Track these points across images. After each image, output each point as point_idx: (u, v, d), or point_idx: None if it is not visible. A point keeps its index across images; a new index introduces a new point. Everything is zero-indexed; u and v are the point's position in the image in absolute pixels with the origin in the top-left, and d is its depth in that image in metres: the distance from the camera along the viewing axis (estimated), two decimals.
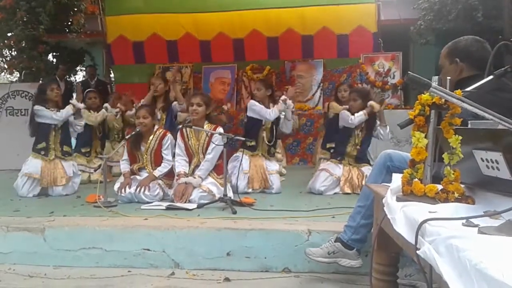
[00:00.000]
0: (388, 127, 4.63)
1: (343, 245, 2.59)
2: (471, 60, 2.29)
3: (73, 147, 5.26)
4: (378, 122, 4.67)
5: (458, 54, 2.33)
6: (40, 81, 8.41)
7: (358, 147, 4.62)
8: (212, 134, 4.07)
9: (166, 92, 5.29)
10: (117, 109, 5.80)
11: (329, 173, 4.54)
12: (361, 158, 4.65)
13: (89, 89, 6.13)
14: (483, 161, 1.39)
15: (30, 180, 4.58)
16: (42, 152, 4.69)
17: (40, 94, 4.83)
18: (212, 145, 4.09)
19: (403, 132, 5.29)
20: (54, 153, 4.73)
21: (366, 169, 4.51)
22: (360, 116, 4.53)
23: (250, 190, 4.56)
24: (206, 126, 4.15)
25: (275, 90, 7.80)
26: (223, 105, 7.20)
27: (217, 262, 2.96)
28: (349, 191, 4.45)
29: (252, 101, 4.88)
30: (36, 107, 4.68)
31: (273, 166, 4.82)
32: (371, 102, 4.54)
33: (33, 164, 4.65)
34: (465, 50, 2.33)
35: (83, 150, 5.65)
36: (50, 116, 4.67)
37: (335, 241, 2.63)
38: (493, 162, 1.34)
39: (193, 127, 4.10)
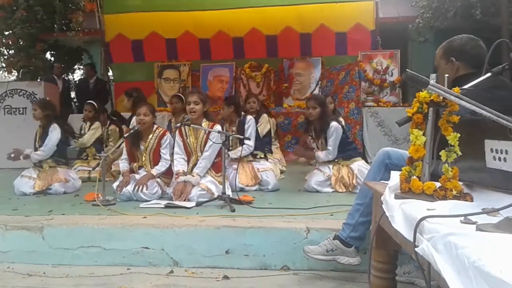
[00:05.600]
0: (320, 156, 4.63)
1: (342, 243, 2.60)
2: (467, 59, 2.30)
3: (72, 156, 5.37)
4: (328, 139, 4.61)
5: (453, 53, 2.33)
6: (39, 80, 8.42)
7: (325, 145, 4.61)
8: (210, 132, 4.07)
9: None
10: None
11: (321, 171, 4.58)
12: (346, 156, 4.63)
13: (88, 101, 6.15)
14: (492, 151, 1.39)
15: (31, 180, 4.64)
16: (38, 164, 4.79)
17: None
18: (209, 142, 4.09)
19: (401, 130, 5.31)
20: (48, 165, 4.79)
21: (356, 165, 4.53)
22: None
23: (242, 185, 4.58)
24: (204, 124, 4.15)
25: (274, 89, 7.93)
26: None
27: (216, 260, 2.96)
28: (340, 190, 4.46)
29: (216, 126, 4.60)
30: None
31: (263, 165, 4.86)
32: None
33: (32, 171, 4.76)
34: (460, 49, 2.34)
35: (81, 157, 5.90)
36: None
37: (333, 239, 2.64)
38: (502, 153, 1.34)
39: (192, 125, 4.10)
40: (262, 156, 5.04)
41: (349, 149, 4.69)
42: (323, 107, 4.61)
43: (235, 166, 4.56)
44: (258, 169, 4.75)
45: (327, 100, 5.07)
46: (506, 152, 1.32)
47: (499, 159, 1.36)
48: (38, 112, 4.79)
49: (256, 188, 4.65)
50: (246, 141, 4.67)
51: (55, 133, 4.78)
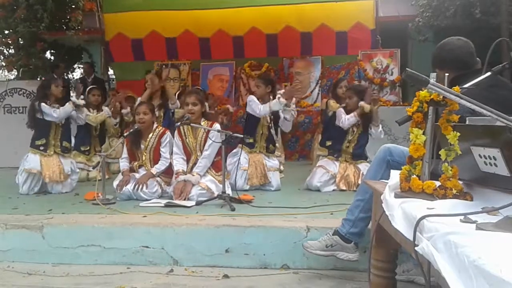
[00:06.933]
0: (380, 126, 4.58)
1: (341, 239, 2.59)
2: (448, 65, 2.36)
3: (72, 145, 5.22)
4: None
5: (435, 65, 2.43)
6: (38, 79, 8.41)
7: (354, 144, 4.60)
8: (209, 131, 4.07)
9: (163, 89, 5.26)
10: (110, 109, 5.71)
11: (325, 169, 4.55)
12: (358, 155, 4.64)
13: (92, 86, 6.09)
14: (481, 157, 1.40)
15: (31, 177, 4.57)
16: (41, 148, 4.65)
17: (43, 89, 4.74)
18: (209, 142, 4.09)
19: (401, 129, 5.30)
20: (53, 149, 4.70)
21: (363, 166, 4.52)
22: (350, 119, 4.54)
23: (248, 187, 4.55)
24: (203, 123, 4.14)
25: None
26: (227, 106, 7.17)
27: (216, 259, 2.96)
28: (344, 188, 4.45)
29: (251, 96, 4.84)
30: (42, 105, 4.58)
31: (272, 163, 4.80)
32: (361, 103, 4.52)
33: (32, 160, 4.61)
34: (437, 59, 2.44)
35: (82, 149, 5.61)
36: (51, 113, 4.58)
37: (333, 234, 2.63)
38: (490, 159, 1.34)
39: (191, 124, 4.09)
40: (272, 150, 4.93)
41: (364, 147, 4.70)
42: (360, 96, 4.57)
43: (243, 165, 4.53)
44: (268, 167, 4.68)
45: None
46: (495, 158, 1.32)
47: (490, 164, 1.36)
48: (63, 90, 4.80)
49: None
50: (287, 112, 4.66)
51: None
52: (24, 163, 4.65)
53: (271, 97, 4.72)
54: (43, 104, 4.59)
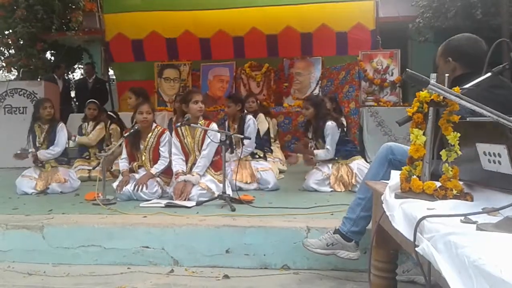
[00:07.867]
0: (317, 154, 4.63)
1: (342, 237, 2.57)
2: (463, 59, 2.32)
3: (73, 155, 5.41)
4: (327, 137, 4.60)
5: (450, 53, 2.36)
6: (39, 79, 8.42)
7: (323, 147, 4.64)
8: (206, 130, 4.07)
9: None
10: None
11: (320, 171, 4.59)
12: (344, 155, 4.64)
13: (90, 100, 6.17)
14: (485, 154, 1.40)
15: (32, 180, 4.65)
16: (40, 165, 4.78)
17: (35, 111, 4.90)
18: (207, 140, 4.09)
19: (401, 129, 5.30)
20: (50, 165, 4.79)
21: (355, 164, 4.54)
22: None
23: (239, 183, 4.58)
24: (201, 123, 4.14)
25: (274, 88, 7.93)
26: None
27: (216, 259, 2.96)
28: (339, 189, 4.47)
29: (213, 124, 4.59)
30: (31, 130, 4.84)
31: (262, 164, 4.86)
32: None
33: (32, 171, 4.78)
34: (457, 49, 2.36)
35: (83, 156, 5.89)
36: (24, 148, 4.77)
37: (334, 233, 2.61)
38: (495, 156, 1.34)
39: (192, 124, 4.09)
40: (261, 155, 5.04)
41: (347, 148, 4.69)
42: (316, 107, 4.66)
43: (233, 166, 4.57)
44: (257, 168, 4.75)
45: (324, 101, 5.07)
46: (499, 155, 1.32)
47: (494, 161, 1.36)
48: (51, 111, 4.84)
49: (256, 187, 4.65)
50: (244, 141, 4.71)
51: (64, 132, 4.89)
52: (24, 172, 4.77)
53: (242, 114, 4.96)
54: (32, 128, 4.84)
